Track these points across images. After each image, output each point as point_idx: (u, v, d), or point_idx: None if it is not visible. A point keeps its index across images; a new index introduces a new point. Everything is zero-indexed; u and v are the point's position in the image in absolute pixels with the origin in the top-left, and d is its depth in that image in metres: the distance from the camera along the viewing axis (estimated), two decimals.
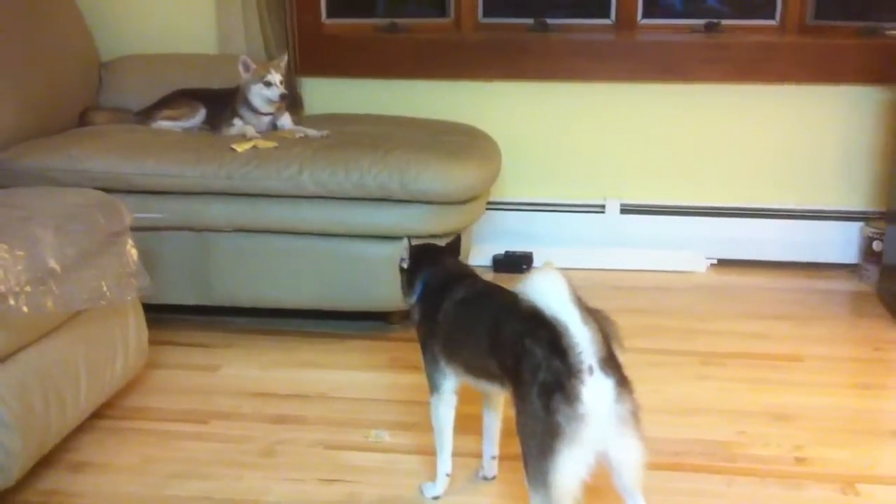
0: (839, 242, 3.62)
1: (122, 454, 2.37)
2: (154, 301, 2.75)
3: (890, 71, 3.35)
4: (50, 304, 2.13)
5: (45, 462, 2.25)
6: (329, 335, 3.07)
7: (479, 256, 3.63)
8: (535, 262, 3.65)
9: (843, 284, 3.51)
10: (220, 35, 3.65)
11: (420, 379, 2.73)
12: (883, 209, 3.50)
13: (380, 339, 3.04)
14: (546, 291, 1.65)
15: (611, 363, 1.69)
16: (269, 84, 3.13)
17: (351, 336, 3.06)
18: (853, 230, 3.59)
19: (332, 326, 3.11)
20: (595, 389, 1.66)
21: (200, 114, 3.30)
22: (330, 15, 3.81)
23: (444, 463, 2.16)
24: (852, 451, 2.35)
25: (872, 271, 3.46)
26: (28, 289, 2.07)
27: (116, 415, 2.55)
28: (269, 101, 3.17)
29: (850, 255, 3.61)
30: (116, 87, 3.54)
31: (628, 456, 1.74)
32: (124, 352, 2.51)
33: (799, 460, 2.30)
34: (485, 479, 2.25)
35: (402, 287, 2.18)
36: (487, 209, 3.34)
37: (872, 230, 3.48)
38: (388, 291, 2.95)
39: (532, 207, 3.73)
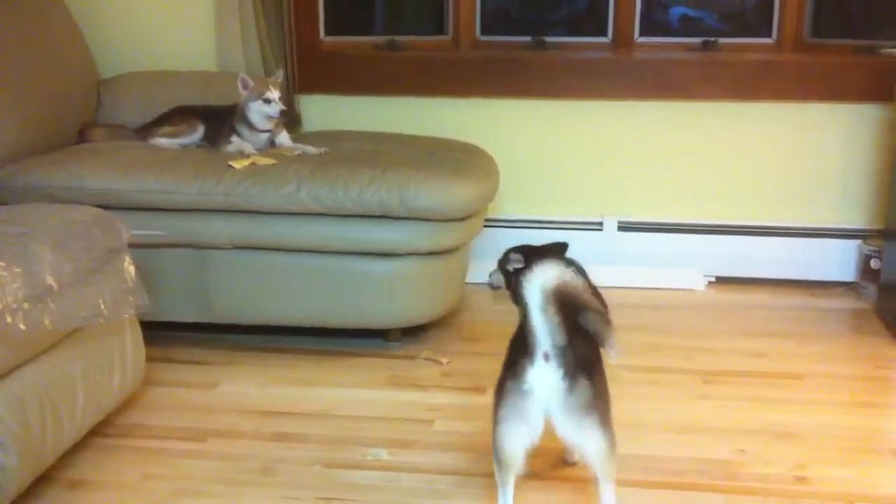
0: (837, 260, 3.62)
1: (120, 472, 2.35)
2: (153, 318, 2.74)
3: (887, 89, 3.36)
4: (47, 321, 2.12)
5: (43, 480, 2.23)
6: (328, 352, 3.06)
7: (476, 273, 3.61)
8: None
9: (842, 302, 3.51)
10: (219, 52, 3.65)
11: (419, 397, 2.75)
12: (881, 227, 3.51)
13: (379, 356, 3.03)
14: (528, 282, 1.80)
15: (568, 356, 1.83)
16: (268, 101, 3.13)
17: (350, 353, 3.05)
18: (851, 248, 3.60)
19: (331, 344, 3.10)
20: (541, 374, 1.84)
21: (199, 131, 3.30)
22: (328, 32, 3.82)
23: None
24: (853, 470, 2.34)
25: (870, 289, 3.46)
26: (25, 306, 2.06)
27: (114, 432, 2.53)
28: (269, 118, 3.17)
29: (847, 272, 3.62)
30: (115, 104, 3.54)
31: (588, 446, 1.91)
32: (122, 369, 2.50)
33: (799, 479, 2.29)
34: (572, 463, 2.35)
35: (510, 284, 2.32)
36: (485, 226, 3.34)
37: (870, 248, 3.49)
38: (386, 308, 2.97)
39: (530, 224, 3.73)
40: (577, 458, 2.33)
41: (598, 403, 1.89)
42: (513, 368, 1.89)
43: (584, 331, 1.85)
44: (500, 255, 2.40)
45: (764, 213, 3.65)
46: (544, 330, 1.82)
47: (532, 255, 2.32)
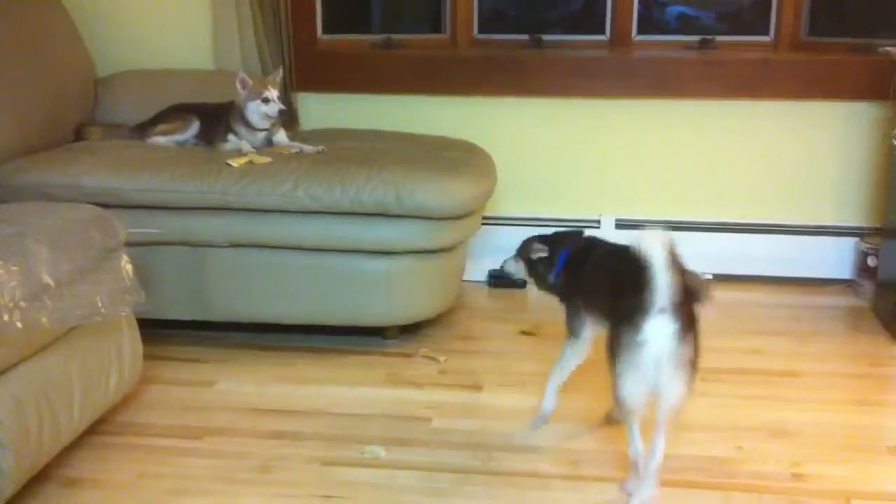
0: (834, 258, 3.62)
1: (117, 470, 2.35)
2: (150, 316, 2.74)
3: (884, 87, 3.35)
4: (44, 319, 2.12)
5: (39, 478, 2.23)
6: (325, 350, 3.06)
7: (474, 271, 3.63)
8: None
9: (839, 300, 3.51)
10: (217, 51, 3.65)
11: (416, 394, 2.75)
12: (877, 225, 3.51)
13: (376, 354, 3.03)
14: (647, 243, 1.95)
15: (682, 311, 1.99)
16: (267, 101, 3.13)
17: (347, 351, 3.05)
18: (848, 246, 3.60)
19: (328, 342, 3.10)
20: (657, 326, 1.99)
21: (194, 126, 3.29)
22: (326, 31, 3.81)
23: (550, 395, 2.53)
24: (850, 467, 2.34)
25: (867, 287, 3.47)
26: (22, 304, 2.05)
27: (111, 430, 2.53)
28: (267, 118, 3.17)
29: (844, 270, 3.62)
30: (112, 102, 3.54)
31: (670, 394, 2.06)
32: (119, 367, 2.50)
33: (796, 476, 2.30)
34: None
35: (535, 271, 2.55)
36: (483, 224, 3.34)
37: (867, 246, 3.49)
38: (384, 306, 2.97)
39: (528, 222, 3.72)
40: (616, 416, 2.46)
41: (695, 362, 2.06)
42: (630, 322, 2.01)
43: (688, 291, 2.00)
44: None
45: (761, 211, 3.65)
46: (665, 286, 1.95)
47: (555, 243, 2.52)
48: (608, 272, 2.31)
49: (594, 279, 2.36)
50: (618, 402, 2.11)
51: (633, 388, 2.06)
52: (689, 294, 2.01)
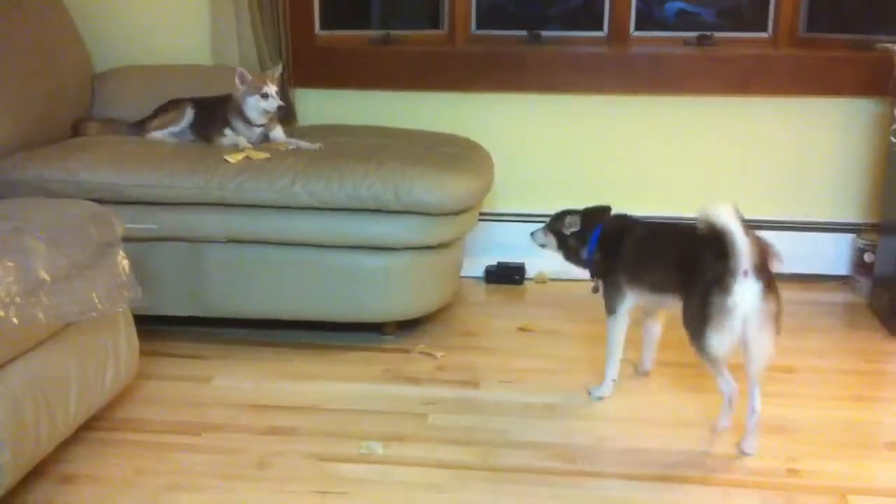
0: (831, 254, 3.63)
1: (114, 466, 2.35)
2: (148, 312, 2.73)
3: (882, 83, 3.35)
4: (41, 315, 2.12)
5: (36, 474, 2.23)
6: (323, 346, 3.06)
7: (471, 267, 3.63)
8: (528, 274, 3.66)
9: (835, 296, 3.52)
10: (214, 46, 3.65)
11: (414, 391, 2.75)
12: (875, 221, 3.51)
13: (373, 350, 3.03)
14: (721, 213, 2.18)
15: (763, 271, 2.20)
16: (266, 96, 3.12)
17: (345, 347, 3.05)
18: (845, 242, 3.61)
19: (325, 337, 3.10)
20: (745, 288, 2.19)
21: (188, 115, 3.26)
22: (323, 27, 3.81)
23: (612, 370, 2.66)
24: (846, 463, 2.35)
25: (864, 283, 3.47)
26: (19, 300, 2.05)
27: (107, 426, 2.53)
28: (265, 113, 3.17)
29: (841, 266, 3.62)
30: (110, 98, 3.53)
31: (761, 347, 2.26)
32: (115, 363, 2.49)
33: (793, 472, 2.30)
34: (644, 374, 2.79)
35: (565, 245, 2.69)
36: (480, 220, 3.34)
37: (864, 242, 3.49)
38: (382, 302, 2.97)
39: (525, 219, 3.72)
40: (648, 367, 2.77)
41: (780, 316, 2.26)
42: (720, 286, 2.19)
43: (763, 253, 2.19)
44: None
45: (759, 207, 3.64)
46: (746, 250, 2.15)
47: (587, 218, 2.64)
48: (670, 246, 2.48)
49: (650, 254, 2.52)
50: (706, 354, 2.29)
51: (722, 343, 2.24)
52: (764, 255, 2.20)
